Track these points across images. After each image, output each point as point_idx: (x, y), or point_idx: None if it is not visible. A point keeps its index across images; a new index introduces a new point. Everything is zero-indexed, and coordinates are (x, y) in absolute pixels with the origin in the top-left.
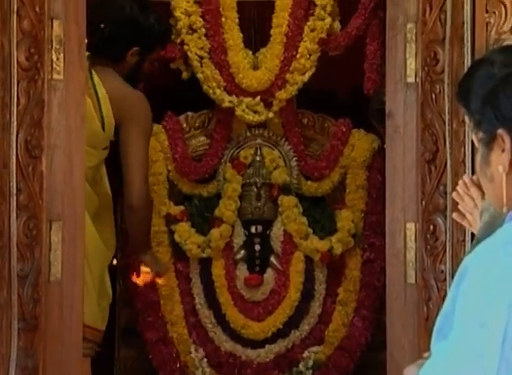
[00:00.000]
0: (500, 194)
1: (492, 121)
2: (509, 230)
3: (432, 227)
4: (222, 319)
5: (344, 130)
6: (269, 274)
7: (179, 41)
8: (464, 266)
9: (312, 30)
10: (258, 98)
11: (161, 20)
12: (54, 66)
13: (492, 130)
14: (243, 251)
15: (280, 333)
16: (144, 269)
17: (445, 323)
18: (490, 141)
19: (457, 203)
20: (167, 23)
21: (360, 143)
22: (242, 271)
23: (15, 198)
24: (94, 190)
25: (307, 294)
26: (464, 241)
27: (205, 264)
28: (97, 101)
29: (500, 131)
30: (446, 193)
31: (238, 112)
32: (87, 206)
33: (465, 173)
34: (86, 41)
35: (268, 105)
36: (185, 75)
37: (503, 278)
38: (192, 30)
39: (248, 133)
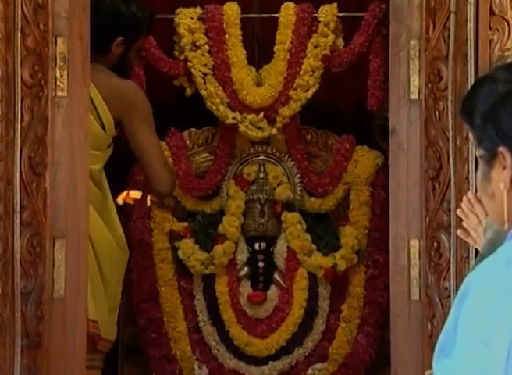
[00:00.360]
0: (501, 211)
1: (492, 138)
2: (510, 248)
3: (435, 244)
4: (225, 336)
5: (348, 146)
6: (273, 291)
7: (182, 57)
8: (466, 284)
9: (315, 47)
10: (262, 114)
11: (143, 7)
12: (58, 83)
13: (492, 148)
14: (246, 268)
15: (284, 351)
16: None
17: (447, 341)
18: (491, 158)
19: (461, 220)
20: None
21: (364, 159)
22: (245, 288)
23: (18, 215)
24: (101, 192)
25: (310, 311)
26: (467, 257)
27: (209, 281)
28: (91, 103)
29: (501, 149)
30: (449, 210)
31: (241, 128)
32: (98, 209)
33: (469, 189)
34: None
35: (271, 122)
36: (188, 92)
37: (506, 297)
38: (195, 46)
39: (252, 150)
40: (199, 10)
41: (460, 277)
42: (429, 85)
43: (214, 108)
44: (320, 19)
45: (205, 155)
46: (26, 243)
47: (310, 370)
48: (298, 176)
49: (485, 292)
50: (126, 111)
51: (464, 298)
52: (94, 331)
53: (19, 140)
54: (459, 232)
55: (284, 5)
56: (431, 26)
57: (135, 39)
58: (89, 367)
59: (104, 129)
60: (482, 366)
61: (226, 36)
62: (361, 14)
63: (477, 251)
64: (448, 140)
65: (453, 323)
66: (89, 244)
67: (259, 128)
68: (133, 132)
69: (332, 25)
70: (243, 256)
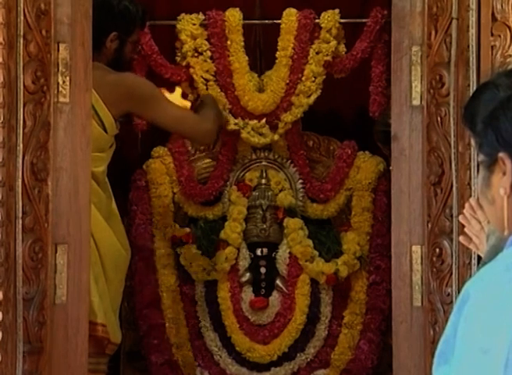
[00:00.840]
0: (501, 216)
1: (493, 144)
2: (510, 254)
3: (438, 250)
4: (227, 342)
5: (349, 152)
6: (275, 297)
7: (184, 63)
8: (465, 291)
9: (317, 53)
10: (264, 120)
11: (136, 1)
12: (60, 89)
13: (493, 153)
14: (248, 274)
15: (286, 357)
16: None
17: (447, 348)
18: (491, 164)
19: (463, 226)
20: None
21: (366, 165)
22: (247, 294)
23: (20, 220)
24: (105, 194)
25: (312, 317)
26: (470, 264)
27: (211, 287)
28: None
29: (501, 154)
30: (451, 216)
31: (243, 134)
32: (103, 211)
33: (471, 195)
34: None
35: (273, 128)
36: (190, 97)
37: (505, 304)
38: (197, 52)
39: (253, 156)
40: (201, 16)
41: (462, 283)
42: (431, 91)
43: None
44: (322, 25)
45: (207, 160)
46: (28, 249)
47: None
48: (300, 182)
49: (484, 299)
50: (133, 103)
51: (463, 305)
52: (104, 335)
53: (21, 146)
54: (461, 238)
55: (286, 12)
56: (433, 32)
57: (129, 33)
58: (94, 371)
59: (105, 130)
60: (481, 374)
61: (228, 42)
62: (363, 20)
63: (479, 257)
64: (450, 146)
65: (452, 329)
66: (93, 246)
67: (261, 134)
68: (151, 117)
69: (334, 31)
70: (245, 262)
